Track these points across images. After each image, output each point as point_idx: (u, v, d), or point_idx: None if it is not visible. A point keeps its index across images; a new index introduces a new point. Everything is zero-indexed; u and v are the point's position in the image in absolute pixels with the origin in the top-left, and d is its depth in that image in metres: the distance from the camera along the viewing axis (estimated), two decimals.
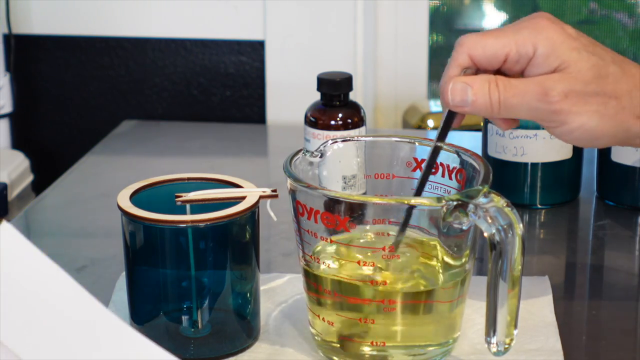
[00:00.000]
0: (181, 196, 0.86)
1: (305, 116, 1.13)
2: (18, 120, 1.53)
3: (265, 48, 1.48)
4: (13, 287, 0.62)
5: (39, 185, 1.42)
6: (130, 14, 1.49)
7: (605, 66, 0.84)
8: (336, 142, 0.90)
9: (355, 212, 0.81)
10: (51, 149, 1.55)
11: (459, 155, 0.86)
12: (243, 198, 0.85)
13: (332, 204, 0.80)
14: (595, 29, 1.60)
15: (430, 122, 1.47)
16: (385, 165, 0.90)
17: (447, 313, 0.83)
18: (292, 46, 1.47)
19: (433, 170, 0.86)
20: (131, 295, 0.87)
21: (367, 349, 0.83)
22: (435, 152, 0.85)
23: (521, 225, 0.77)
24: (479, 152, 1.16)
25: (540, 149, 1.14)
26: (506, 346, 0.80)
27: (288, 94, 1.48)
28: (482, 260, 1.02)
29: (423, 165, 0.86)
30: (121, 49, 1.51)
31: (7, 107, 1.49)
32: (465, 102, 0.84)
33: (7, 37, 1.49)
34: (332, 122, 1.11)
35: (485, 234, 0.77)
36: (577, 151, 1.16)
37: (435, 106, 1.50)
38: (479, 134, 1.19)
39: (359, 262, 0.82)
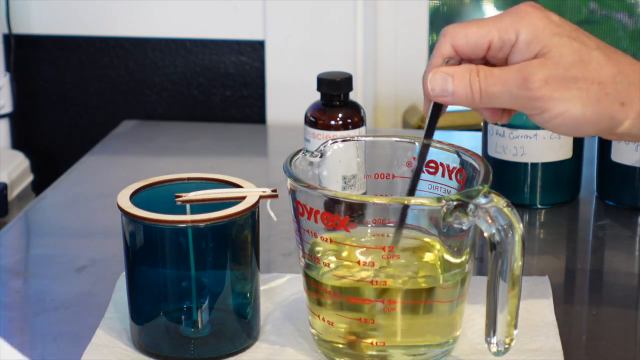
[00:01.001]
0: (181, 196, 0.86)
1: (305, 116, 1.13)
2: (18, 120, 1.53)
3: (265, 48, 1.48)
4: None
5: (39, 185, 1.42)
6: (130, 14, 1.49)
7: (588, 52, 0.82)
8: (336, 142, 0.90)
9: (355, 212, 0.81)
10: (51, 149, 1.55)
11: (459, 155, 0.86)
12: (243, 198, 0.85)
13: (332, 204, 0.80)
14: (595, 29, 1.60)
15: None
16: (385, 165, 0.90)
17: (447, 313, 0.83)
18: (292, 46, 1.47)
19: (433, 170, 0.86)
20: (131, 295, 0.87)
21: (367, 349, 0.83)
22: (424, 150, 0.84)
23: (521, 225, 0.77)
24: (479, 152, 1.16)
25: (540, 149, 1.14)
26: (506, 346, 0.80)
27: (288, 94, 1.48)
28: (482, 260, 1.01)
29: (413, 166, 0.86)
30: (121, 49, 1.51)
31: (7, 107, 1.49)
32: (445, 92, 0.83)
33: (7, 37, 1.49)
34: (332, 122, 1.11)
35: (485, 234, 0.77)
36: (577, 151, 1.16)
37: None
38: (479, 134, 1.19)
39: (359, 262, 0.82)
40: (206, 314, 0.86)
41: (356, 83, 1.39)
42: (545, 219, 1.15)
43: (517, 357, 0.85)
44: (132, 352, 0.87)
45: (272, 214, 0.88)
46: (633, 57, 0.85)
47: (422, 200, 0.81)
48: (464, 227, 0.80)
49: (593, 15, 1.61)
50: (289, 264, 1.03)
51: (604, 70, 0.82)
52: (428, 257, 0.84)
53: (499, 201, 0.77)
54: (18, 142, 1.53)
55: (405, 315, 0.82)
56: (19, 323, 0.95)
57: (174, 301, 0.86)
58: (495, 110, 0.86)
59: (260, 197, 0.86)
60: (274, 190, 0.87)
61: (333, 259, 0.84)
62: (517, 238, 0.76)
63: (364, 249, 0.84)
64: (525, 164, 1.15)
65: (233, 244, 0.85)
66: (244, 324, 0.88)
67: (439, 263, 0.84)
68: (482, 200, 0.77)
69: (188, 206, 0.86)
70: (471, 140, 1.30)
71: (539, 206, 1.16)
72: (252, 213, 0.85)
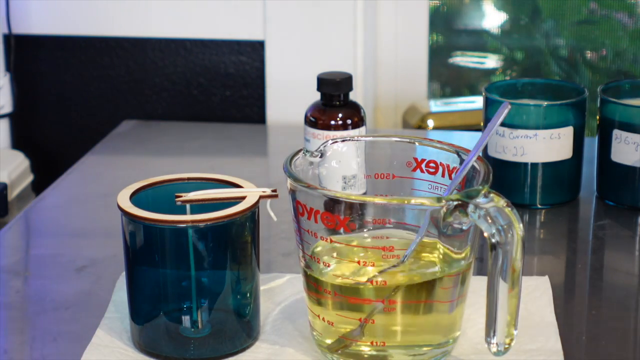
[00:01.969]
0: (181, 196, 0.86)
1: (305, 116, 1.13)
2: (18, 120, 1.53)
3: (265, 48, 1.48)
4: None
5: (39, 185, 1.42)
6: (130, 14, 1.49)
7: None
8: (336, 142, 0.90)
9: (355, 212, 0.81)
10: (51, 149, 1.55)
11: (459, 155, 0.86)
12: (243, 198, 0.85)
13: (332, 204, 0.80)
14: (595, 29, 1.60)
15: (430, 122, 1.47)
16: (385, 165, 0.90)
17: (447, 313, 0.83)
18: (292, 46, 1.47)
19: (433, 170, 0.87)
20: (131, 295, 0.87)
21: (367, 349, 0.83)
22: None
23: (521, 225, 0.77)
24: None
25: (540, 149, 1.14)
26: (506, 346, 0.80)
27: (288, 94, 1.48)
28: (482, 260, 1.01)
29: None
30: (121, 49, 1.51)
31: (7, 107, 1.49)
32: None
33: (7, 37, 1.49)
34: (332, 122, 1.11)
35: (485, 234, 0.77)
36: (577, 151, 1.16)
37: (435, 106, 1.50)
38: (479, 134, 1.19)
39: (359, 262, 0.82)
40: (206, 314, 0.86)
41: (356, 83, 1.39)
42: (545, 219, 1.15)
43: (517, 357, 0.85)
44: (132, 352, 0.87)
45: (272, 214, 0.88)
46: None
47: (422, 200, 0.81)
48: (464, 227, 0.80)
49: (593, 15, 1.61)
50: (289, 264, 1.03)
51: None
52: (428, 257, 0.84)
53: (499, 201, 0.77)
54: (18, 142, 1.53)
55: (405, 315, 0.82)
56: (19, 323, 0.95)
57: (174, 301, 0.86)
58: None
59: (260, 197, 0.86)
60: (274, 190, 0.87)
61: (333, 259, 0.84)
62: (517, 238, 0.77)
63: (364, 248, 0.84)
64: (525, 164, 1.15)
65: (233, 244, 0.85)
66: (244, 324, 0.88)
67: (439, 263, 0.84)
68: (482, 200, 0.77)
69: (188, 206, 0.86)
70: (471, 140, 1.30)
71: (539, 206, 1.16)
72: (252, 213, 0.85)
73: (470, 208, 0.77)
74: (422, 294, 0.82)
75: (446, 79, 1.65)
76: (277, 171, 0.90)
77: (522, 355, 0.85)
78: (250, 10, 1.47)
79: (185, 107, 1.52)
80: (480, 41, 1.64)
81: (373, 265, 0.81)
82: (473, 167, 0.84)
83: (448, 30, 1.63)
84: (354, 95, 1.15)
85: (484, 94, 1.17)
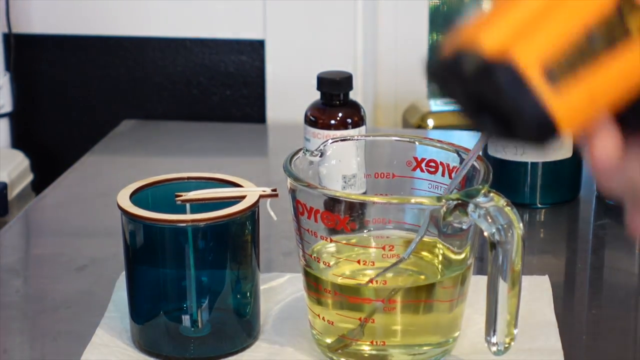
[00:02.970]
0: (181, 195, 0.86)
1: (305, 115, 1.13)
2: (18, 119, 1.53)
3: (265, 47, 1.48)
4: None
5: (39, 184, 1.42)
6: (130, 14, 1.49)
7: None
8: (336, 141, 0.90)
9: (355, 211, 0.81)
10: (51, 149, 1.55)
11: (459, 155, 0.86)
12: (243, 197, 0.85)
13: (332, 203, 0.80)
14: None
15: (430, 122, 1.47)
16: (385, 165, 0.90)
17: (447, 312, 0.83)
18: (292, 46, 1.47)
19: (433, 169, 0.86)
20: (131, 295, 0.87)
21: (367, 349, 0.83)
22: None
23: (521, 224, 0.77)
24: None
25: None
26: (506, 345, 0.80)
27: (288, 93, 1.48)
28: (482, 260, 1.01)
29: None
30: (121, 49, 1.51)
31: (7, 107, 1.49)
32: None
33: (7, 37, 1.48)
34: (332, 122, 1.11)
35: (485, 234, 0.77)
36: (577, 151, 1.16)
37: (435, 105, 1.50)
38: (479, 134, 1.19)
39: (358, 262, 0.82)
40: (206, 314, 0.86)
41: (356, 82, 1.39)
42: (545, 218, 1.15)
43: (517, 357, 0.85)
44: (132, 352, 0.87)
45: (272, 213, 0.88)
46: None
47: (422, 200, 0.81)
48: (464, 227, 0.80)
49: None
50: (289, 263, 1.03)
51: None
52: (428, 256, 0.84)
53: (499, 200, 0.77)
54: (18, 141, 1.53)
55: (405, 315, 0.82)
56: (19, 323, 0.95)
57: (174, 301, 0.86)
58: None
59: (260, 196, 0.86)
60: (274, 190, 0.87)
61: (333, 258, 0.84)
62: (517, 237, 0.76)
63: (364, 248, 0.84)
64: (525, 164, 1.15)
65: (233, 243, 0.85)
66: (244, 324, 0.88)
67: (439, 263, 0.84)
68: (482, 199, 0.77)
69: (188, 205, 0.86)
70: (471, 140, 1.30)
71: (539, 206, 1.16)
72: (252, 212, 0.85)
73: (470, 207, 0.77)
74: (422, 293, 0.82)
75: None
76: (277, 170, 0.90)
77: (522, 354, 0.85)
78: (250, 9, 1.47)
79: (185, 106, 1.52)
80: None
81: (373, 265, 0.81)
82: (473, 166, 0.84)
83: (448, 29, 1.63)
84: (354, 95, 1.15)
85: None
